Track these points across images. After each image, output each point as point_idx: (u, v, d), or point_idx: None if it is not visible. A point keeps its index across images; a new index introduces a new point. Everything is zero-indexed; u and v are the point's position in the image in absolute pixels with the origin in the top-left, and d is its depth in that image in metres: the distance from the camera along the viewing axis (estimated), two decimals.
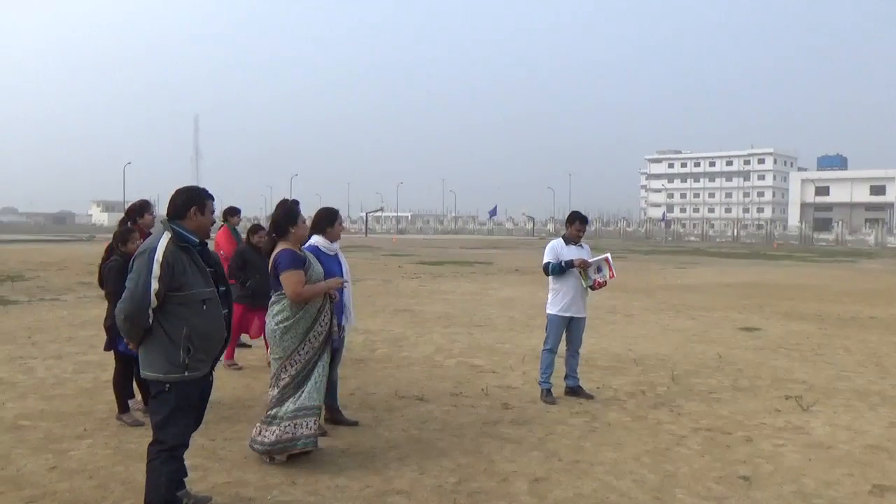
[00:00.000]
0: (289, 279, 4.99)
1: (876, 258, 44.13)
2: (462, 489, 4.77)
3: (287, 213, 5.24)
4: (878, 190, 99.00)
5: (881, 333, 11.88)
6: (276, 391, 5.14)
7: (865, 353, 10.01)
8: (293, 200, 6.82)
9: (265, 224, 8.43)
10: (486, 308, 14.35)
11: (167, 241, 4.08)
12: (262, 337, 7.71)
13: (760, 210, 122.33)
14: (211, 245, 4.65)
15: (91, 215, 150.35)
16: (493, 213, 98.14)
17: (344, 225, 6.17)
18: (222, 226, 9.67)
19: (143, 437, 5.12)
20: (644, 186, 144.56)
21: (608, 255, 7.33)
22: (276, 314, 5.11)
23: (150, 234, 4.71)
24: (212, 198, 4.33)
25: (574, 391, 7.29)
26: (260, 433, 5.11)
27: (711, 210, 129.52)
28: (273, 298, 5.20)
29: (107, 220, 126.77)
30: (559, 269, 7.11)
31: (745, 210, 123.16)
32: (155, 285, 3.96)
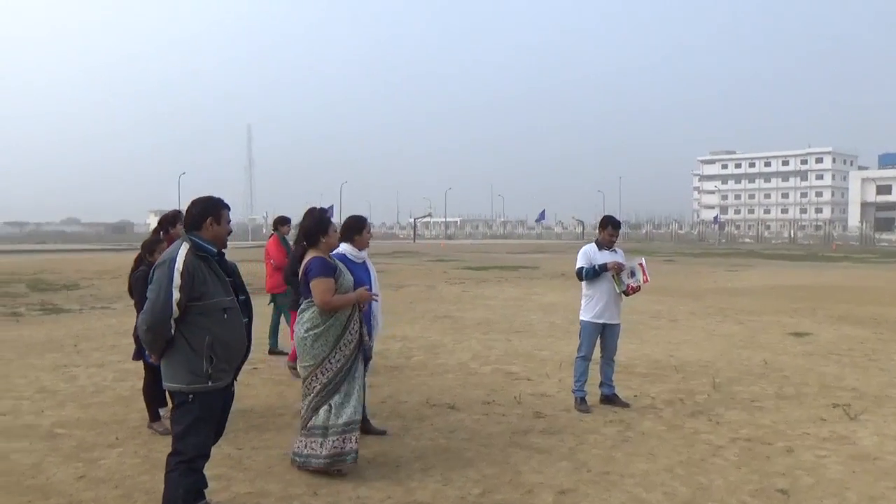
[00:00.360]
0: (318, 287, 4.97)
1: None
2: (485, 501, 4.67)
3: (318, 221, 5.23)
4: None
5: None
6: (308, 399, 5.11)
7: None
8: (322, 209, 6.84)
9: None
10: (528, 314, 14.20)
11: (186, 250, 4.08)
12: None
13: (819, 210, 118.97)
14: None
15: (149, 224, 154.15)
16: (542, 217, 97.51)
17: (372, 233, 6.13)
18: (272, 235, 9.74)
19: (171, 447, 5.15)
20: (697, 188, 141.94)
21: (642, 260, 7.14)
22: (305, 321, 5.09)
23: None
24: (227, 207, 4.32)
25: (609, 399, 7.11)
26: (307, 447, 5.03)
27: (767, 211, 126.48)
28: (303, 306, 5.19)
29: None
30: (593, 274, 6.96)
31: (803, 211, 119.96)
32: (176, 295, 3.96)
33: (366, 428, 6.07)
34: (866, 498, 4.75)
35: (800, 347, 10.43)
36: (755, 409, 6.98)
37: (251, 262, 31.98)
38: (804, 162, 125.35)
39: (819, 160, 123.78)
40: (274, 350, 9.69)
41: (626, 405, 7.03)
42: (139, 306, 5.64)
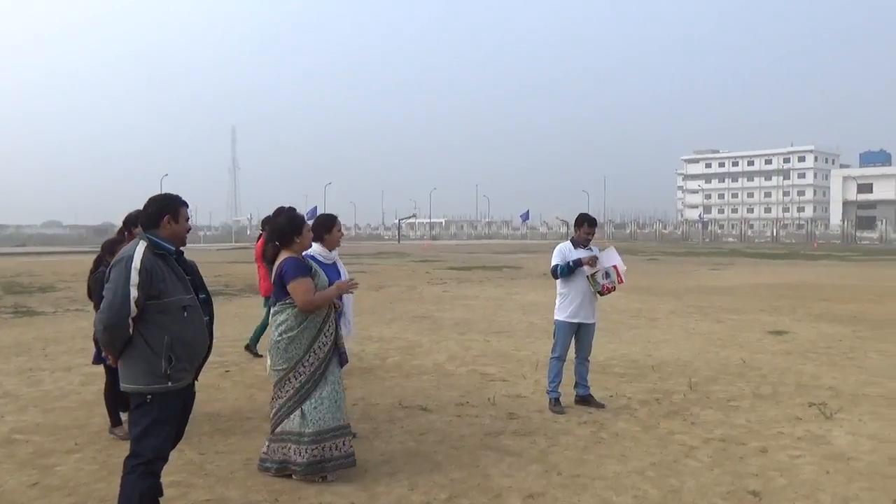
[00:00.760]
0: (299, 288, 4.79)
1: None
2: None
3: (292, 220, 5.04)
4: None
5: None
6: (279, 402, 4.94)
7: None
8: (291, 208, 6.70)
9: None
10: (508, 314, 14.10)
11: (143, 248, 3.95)
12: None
13: (801, 209, 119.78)
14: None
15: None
16: (526, 217, 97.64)
17: (342, 232, 5.96)
18: (261, 235, 9.52)
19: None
20: (681, 187, 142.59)
21: (618, 263, 7.02)
22: (279, 324, 4.90)
23: None
24: (185, 205, 4.18)
25: (584, 400, 7.01)
26: (279, 452, 4.85)
27: (750, 210, 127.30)
28: (276, 308, 5.00)
29: None
30: (567, 271, 6.85)
31: (786, 209, 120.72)
32: (133, 293, 3.83)
33: None
34: (839, 499, 4.67)
35: (778, 346, 10.39)
36: (731, 408, 6.90)
37: (235, 263, 31.74)
38: (787, 161, 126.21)
39: (801, 159, 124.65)
40: (251, 348, 9.46)
41: (601, 406, 6.93)
42: (98, 308, 5.48)
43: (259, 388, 7.68)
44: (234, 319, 13.23)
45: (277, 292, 4.90)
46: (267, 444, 4.97)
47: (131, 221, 6.41)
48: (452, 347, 10.23)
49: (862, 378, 8.24)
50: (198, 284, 4.19)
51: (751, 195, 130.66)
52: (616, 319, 13.11)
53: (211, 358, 9.24)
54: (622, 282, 7.03)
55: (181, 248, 4.21)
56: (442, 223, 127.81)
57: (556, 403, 6.85)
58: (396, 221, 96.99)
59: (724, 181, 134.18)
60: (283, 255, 4.92)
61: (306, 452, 4.77)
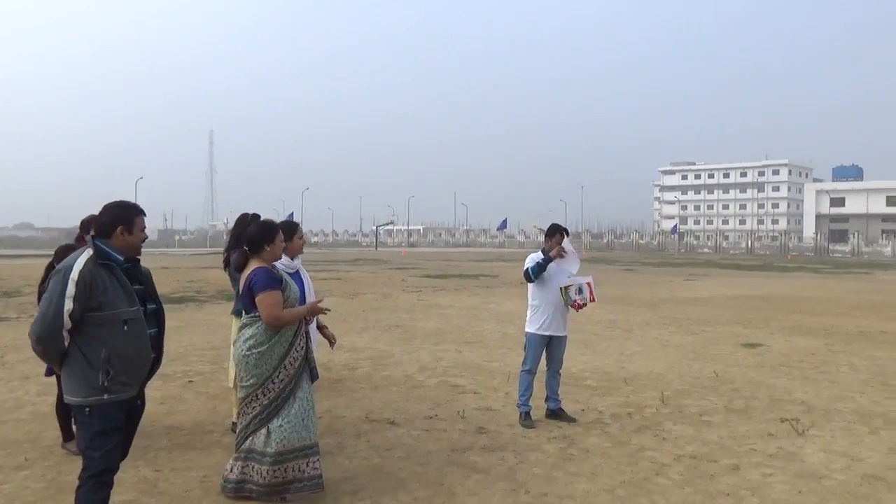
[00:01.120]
0: (266, 301, 4.55)
1: (892, 270, 43.34)
2: None
3: (264, 228, 4.82)
4: (894, 201, 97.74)
5: (891, 349, 11.38)
6: (246, 419, 4.71)
7: (872, 371, 9.53)
8: (256, 214, 6.50)
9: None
10: (482, 323, 13.96)
11: (86, 258, 3.80)
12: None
13: (775, 222, 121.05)
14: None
15: None
16: (504, 225, 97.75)
17: (304, 239, 5.76)
18: None
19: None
20: (658, 198, 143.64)
21: (590, 279, 6.91)
22: (248, 338, 4.65)
23: None
24: (142, 214, 4.00)
25: (555, 414, 6.88)
26: (242, 471, 4.60)
27: (725, 222, 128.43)
28: (245, 320, 4.76)
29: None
30: (538, 268, 6.73)
31: (760, 222, 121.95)
32: (68, 305, 3.68)
33: None
34: None
35: (751, 359, 10.34)
36: (703, 423, 6.80)
37: (209, 269, 31.30)
38: (761, 174, 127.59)
39: (776, 172, 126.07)
40: None
41: (572, 420, 6.80)
42: None
43: (223, 400, 7.46)
44: (202, 327, 12.99)
45: (246, 304, 4.69)
46: (230, 461, 4.74)
47: (84, 227, 6.18)
48: (424, 358, 10.06)
49: (834, 393, 8.20)
50: (148, 294, 4.02)
51: (726, 207, 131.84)
52: (591, 330, 13.02)
53: (175, 367, 9.14)
54: (594, 300, 6.92)
55: (137, 257, 4.04)
56: (420, 230, 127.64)
57: (526, 417, 6.71)
58: (374, 228, 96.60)
59: (699, 193, 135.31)
60: (252, 265, 4.70)
61: (267, 474, 4.55)
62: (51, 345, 3.72)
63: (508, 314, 15.39)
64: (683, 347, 11.29)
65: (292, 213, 63.91)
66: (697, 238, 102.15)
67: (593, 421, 6.86)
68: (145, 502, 4.69)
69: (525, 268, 6.88)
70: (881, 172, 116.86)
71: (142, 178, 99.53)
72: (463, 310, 16.44)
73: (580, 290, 6.84)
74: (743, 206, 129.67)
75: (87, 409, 3.77)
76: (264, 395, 4.60)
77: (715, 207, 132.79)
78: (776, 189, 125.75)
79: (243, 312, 4.73)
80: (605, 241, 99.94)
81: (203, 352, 10.26)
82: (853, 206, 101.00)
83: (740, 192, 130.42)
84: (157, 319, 4.06)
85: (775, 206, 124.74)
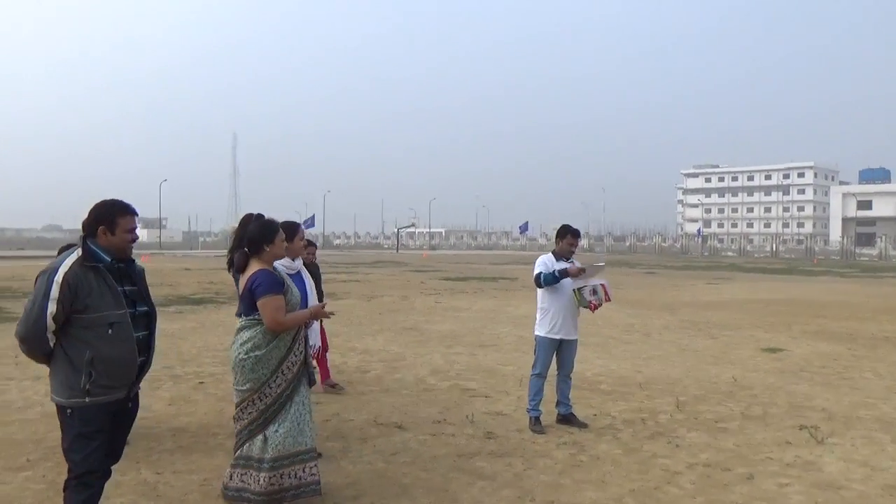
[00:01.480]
0: (268, 305, 4.43)
1: None
2: None
3: (264, 228, 4.72)
4: None
5: None
6: (241, 424, 4.61)
7: None
8: (260, 214, 6.42)
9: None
10: (498, 326, 13.82)
11: (73, 260, 3.73)
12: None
13: (801, 225, 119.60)
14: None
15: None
16: (525, 228, 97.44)
17: (306, 240, 5.65)
18: None
19: None
20: (681, 201, 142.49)
21: (605, 282, 6.76)
22: (245, 342, 4.53)
23: None
24: (128, 213, 3.87)
25: (566, 419, 6.74)
26: (240, 479, 4.48)
27: (750, 225, 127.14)
28: (243, 323, 4.64)
29: (146, 236, 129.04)
30: (552, 279, 6.58)
31: (785, 225, 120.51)
32: (52, 308, 3.62)
33: None
34: None
35: (771, 364, 10.11)
36: (718, 430, 6.62)
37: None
38: (786, 176, 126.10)
39: (801, 175, 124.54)
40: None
41: (583, 425, 6.65)
42: None
43: (231, 402, 7.35)
44: (218, 328, 12.97)
45: (246, 306, 4.58)
46: (228, 468, 4.64)
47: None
48: (437, 361, 9.96)
49: (856, 399, 7.97)
50: (140, 296, 3.94)
51: (750, 210, 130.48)
52: (608, 334, 12.84)
53: (188, 369, 9.11)
54: (609, 300, 6.77)
55: (128, 258, 3.95)
56: (442, 233, 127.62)
57: (536, 423, 6.58)
58: (396, 231, 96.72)
59: (723, 196, 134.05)
60: (254, 266, 4.60)
61: (264, 481, 4.44)
62: (35, 346, 3.69)
63: (525, 317, 15.23)
64: (702, 352, 11.08)
65: (313, 216, 64.12)
66: (721, 241, 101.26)
67: (605, 427, 6.71)
68: None
69: (536, 272, 6.73)
70: None
71: (165, 180, 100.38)
72: (480, 313, 16.31)
73: (594, 291, 6.69)
74: (768, 210, 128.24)
75: (69, 411, 3.73)
76: (261, 401, 4.50)
77: (739, 210, 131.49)
78: (801, 192, 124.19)
79: (242, 315, 4.63)
80: (628, 243, 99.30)
81: (216, 353, 10.22)
82: (881, 208, 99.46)
83: (765, 194, 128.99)
84: (148, 321, 3.98)
85: (801, 209, 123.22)
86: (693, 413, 7.23)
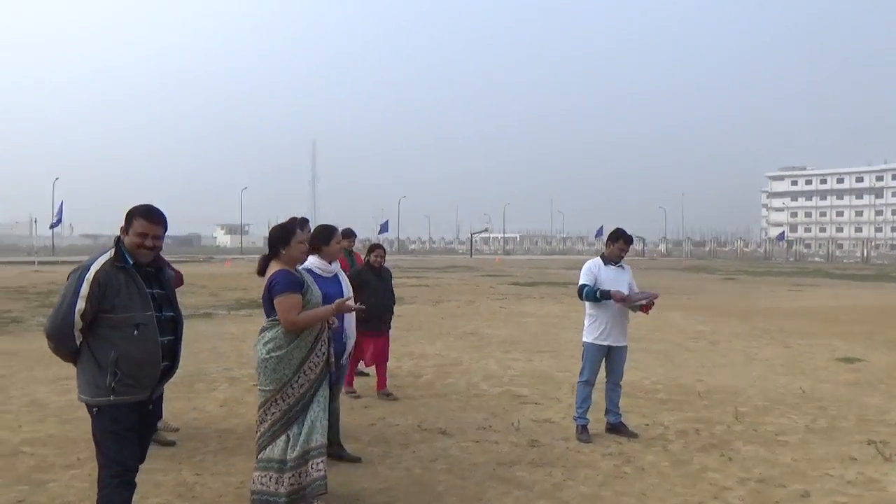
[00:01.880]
0: (283, 304, 4.48)
1: None
2: None
3: (281, 230, 4.75)
4: None
5: None
6: (264, 426, 4.65)
7: None
8: (304, 219, 6.47)
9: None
10: (560, 332, 13.59)
11: (106, 259, 3.79)
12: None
13: (895, 229, 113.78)
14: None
15: (216, 237, 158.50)
16: (600, 233, 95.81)
17: (341, 244, 5.61)
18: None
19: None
20: (765, 205, 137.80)
21: (653, 295, 6.54)
22: (267, 342, 4.60)
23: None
24: (144, 217, 3.85)
25: (615, 428, 6.53)
26: (261, 482, 4.50)
27: (839, 229, 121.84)
28: (265, 324, 4.71)
29: (229, 241, 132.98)
30: (594, 297, 6.39)
31: (878, 229, 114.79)
32: (80, 305, 3.67)
33: (338, 454, 5.65)
34: None
35: (846, 375, 9.58)
36: (777, 444, 6.28)
37: None
38: (879, 178, 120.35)
39: (895, 177, 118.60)
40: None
41: (633, 435, 6.43)
42: None
43: None
44: None
45: (267, 307, 4.62)
46: (254, 472, 4.65)
47: None
48: (491, 366, 9.84)
49: None
50: (167, 301, 3.98)
51: (840, 214, 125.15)
52: (674, 341, 12.46)
53: (244, 371, 9.23)
54: (657, 295, 6.61)
55: (146, 262, 3.91)
56: (517, 238, 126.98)
57: (583, 431, 6.39)
58: (470, 236, 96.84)
59: (811, 199, 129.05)
60: (273, 267, 4.64)
61: (287, 481, 4.45)
62: (62, 342, 3.74)
63: None
64: (771, 361, 10.60)
65: (387, 222, 64.87)
66: (808, 246, 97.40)
67: (656, 437, 6.46)
68: None
69: (581, 283, 6.54)
70: None
71: (246, 187, 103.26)
72: (544, 318, 16.10)
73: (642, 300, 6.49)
74: (859, 213, 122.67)
75: (96, 409, 3.77)
76: (283, 401, 4.51)
77: (828, 214, 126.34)
78: None
79: (264, 316, 4.66)
80: (708, 248, 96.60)
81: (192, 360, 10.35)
82: None
83: (856, 197, 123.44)
84: (174, 327, 4.02)
85: (895, 212, 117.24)
86: (753, 425, 6.90)
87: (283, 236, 4.63)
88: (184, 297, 20.08)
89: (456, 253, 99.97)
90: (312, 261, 5.35)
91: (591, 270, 6.59)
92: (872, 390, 8.61)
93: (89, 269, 3.73)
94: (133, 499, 3.96)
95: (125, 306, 3.74)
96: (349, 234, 9.32)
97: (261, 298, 4.72)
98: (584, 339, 6.62)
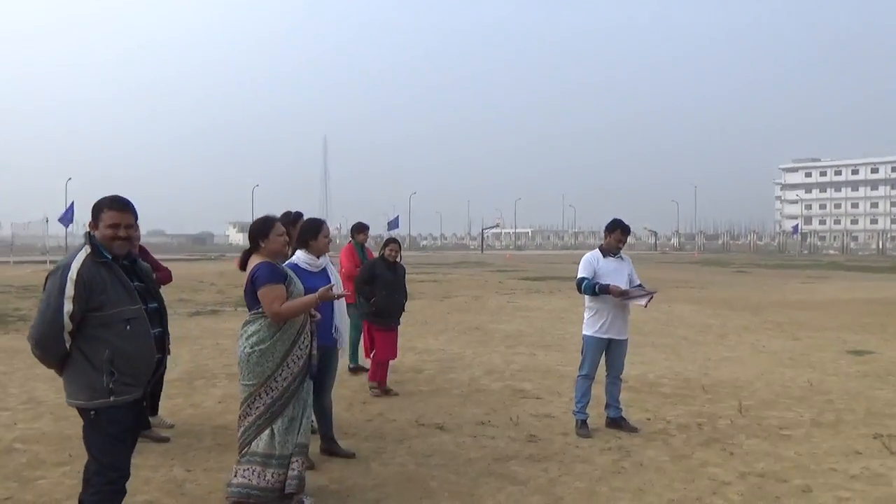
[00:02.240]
0: (267, 295, 4.41)
1: None
2: None
3: (261, 223, 4.69)
4: None
5: None
6: (248, 421, 4.59)
7: None
8: (297, 213, 6.38)
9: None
10: (567, 326, 13.46)
11: (84, 256, 3.65)
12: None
13: None
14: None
15: (228, 235, 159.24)
16: None
17: (330, 237, 5.52)
18: (348, 243, 9.19)
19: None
20: (779, 197, 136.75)
21: (651, 295, 6.42)
22: (250, 336, 4.54)
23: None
24: (114, 208, 3.73)
25: (616, 423, 6.42)
26: (242, 475, 4.46)
27: (854, 221, 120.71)
28: (248, 318, 4.68)
29: (242, 239, 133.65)
30: (592, 291, 6.28)
31: (894, 221, 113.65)
32: (68, 307, 3.53)
33: (332, 450, 5.58)
34: None
35: (855, 367, 9.42)
36: (781, 438, 6.15)
37: None
38: (895, 169, 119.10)
39: None
40: (356, 368, 8.85)
41: (633, 430, 6.32)
42: None
43: None
44: None
45: (249, 300, 4.56)
46: (235, 466, 4.59)
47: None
48: (495, 361, 9.74)
49: None
50: (150, 292, 3.89)
51: (855, 206, 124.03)
52: (681, 334, 12.31)
53: None
54: (654, 290, 6.50)
55: (121, 255, 3.78)
56: (528, 233, 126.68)
57: (582, 426, 6.29)
58: (481, 231, 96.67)
59: (825, 191, 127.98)
60: (254, 260, 4.57)
61: (272, 477, 4.39)
62: (51, 348, 3.59)
63: None
64: (779, 353, 10.44)
65: (397, 217, 64.76)
66: (823, 239, 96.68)
67: (657, 431, 6.35)
68: (165, 503, 4.61)
69: (579, 276, 6.43)
70: None
71: (258, 185, 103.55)
72: (551, 312, 15.98)
73: (641, 295, 6.39)
74: (874, 205, 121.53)
75: (93, 413, 3.62)
76: (267, 395, 4.45)
77: (843, 206, 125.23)
78: None
79: (248, 310, 4.58)
80: (721, 242, 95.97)
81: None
82: None
83: (871, 189, 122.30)
84: (161, 318, 3.94)
85: None
86: (757, 419, 6.77)
87: (262, 229, 4.57)
88: (192, 294, 20.17)
89: (467, 249, 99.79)
90: (300, 255, 5.28)
91: (590, 263, 6.48)
92: (882, 383, 8.45)
93: (70, 267, 3.58)
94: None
95: (113, 302, 3.62)
96: (362, 228, 9.21)
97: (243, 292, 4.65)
98: (584, 332, 6.51)
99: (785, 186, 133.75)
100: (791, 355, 10.31)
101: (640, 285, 6.49)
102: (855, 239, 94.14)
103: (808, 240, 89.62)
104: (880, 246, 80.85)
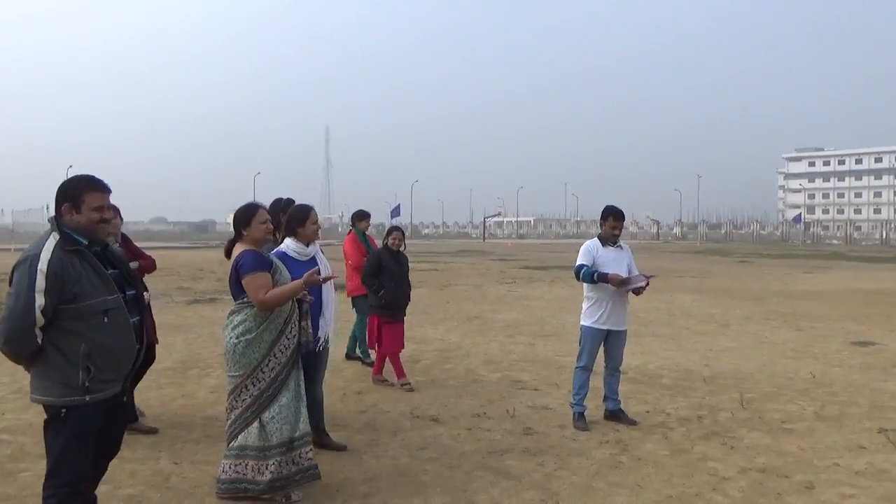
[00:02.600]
0: (252, 283, 4.29)
1: None
2: None
3: (243, 211, 4.55)
4: None
5: None
6: (235, 413, 4.47)
7: None
8: (288, 199, 6.24)
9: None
10: (567, 315, 13.30)
11: (53, 245, 3.40)
12: None
13: None
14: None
15: (229, 223, 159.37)
16: None
17: (319, 224, 5.36)
18: (350, 232, 9.01)
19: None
20: (782, 187, 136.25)
21: (648, 280, 6.27)
22: (236, 325, 4.41)
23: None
24: (97, 189, 3.52)
25: (614, 415, 6.29)
26: (235, 470, 4.33)
27: (858, 211, 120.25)
28: (234, 307, 4.54)
29: None
30: (590, 279, 6.13)
31: None
32: (40, 300, 3.30)
33: (323, 443, 5.45)
34: None
35: (859, 359, 9.27)
36: (783, 431, 6.02)
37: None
38: None
39: None
40: (350, 355, 8.83)
41: (632, 422, 6.19)
42: None
43: None
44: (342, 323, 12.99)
45: (234, 289, 4.43)
46: (222, 461, 4.47)
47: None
48: (493, 350, 9.61)
49: None
50: (125, 279, 3.69)
51: (858, 195, 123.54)
52: (682, 325, 12.17)
53: None
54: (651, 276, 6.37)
55: (101, 241, 3.60)
56: (530, 222, 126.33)
57: (580, 418, 6.16)
58: (483, 220, 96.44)
59: (828, 180, 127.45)
60: (238, 248, 4.44)
61: (266, 469, 4.27)
62: (22, 345, 3.36)
63: None
64: (782, 345, 10.30)
65: (398, 206, 64.58)
66: (826, 228, 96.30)
67: (657, 424, 6.21)
68: (150, 497, 4.50)
69: (578, 263, 6.29)
70: None
71: (259, 173, 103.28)
72: (551, 301, 15.83)
73: (639, 280, 6.25)
74: (878, 194, 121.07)
75: (64, 411, 3.40)
76: (254, 386, 4.33)
77: (846, 196, 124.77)
78: None
79: (233, 299, 4.45)
80: (724, 231, 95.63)
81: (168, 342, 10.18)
82: None
83: (875, 178, 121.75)
84: (138, 307, 3.75)
85: None
86: (758, 411, 6.64)
87: (244, 217, 4.44)
88: (192, 282, 20.05)
89: (470, 237, 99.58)
90: (288, 243, 5.14)
91: (590, 251, 6.34)
92: (886, 375, 8.31)
93: (39, 258, 3.34)
94: (104, 490, 3.75)
95: (88, 293, 3.39)
96: (364, 216, 9.02)
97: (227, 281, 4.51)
98: (582, 322, 6.38)
99: (788, 176, 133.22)
100: (794, 346, 10.17)
101: (638, 275, 6.35)
102: (858, 229, 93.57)
103: (812, 229, 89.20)
104: (884, 236, 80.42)
